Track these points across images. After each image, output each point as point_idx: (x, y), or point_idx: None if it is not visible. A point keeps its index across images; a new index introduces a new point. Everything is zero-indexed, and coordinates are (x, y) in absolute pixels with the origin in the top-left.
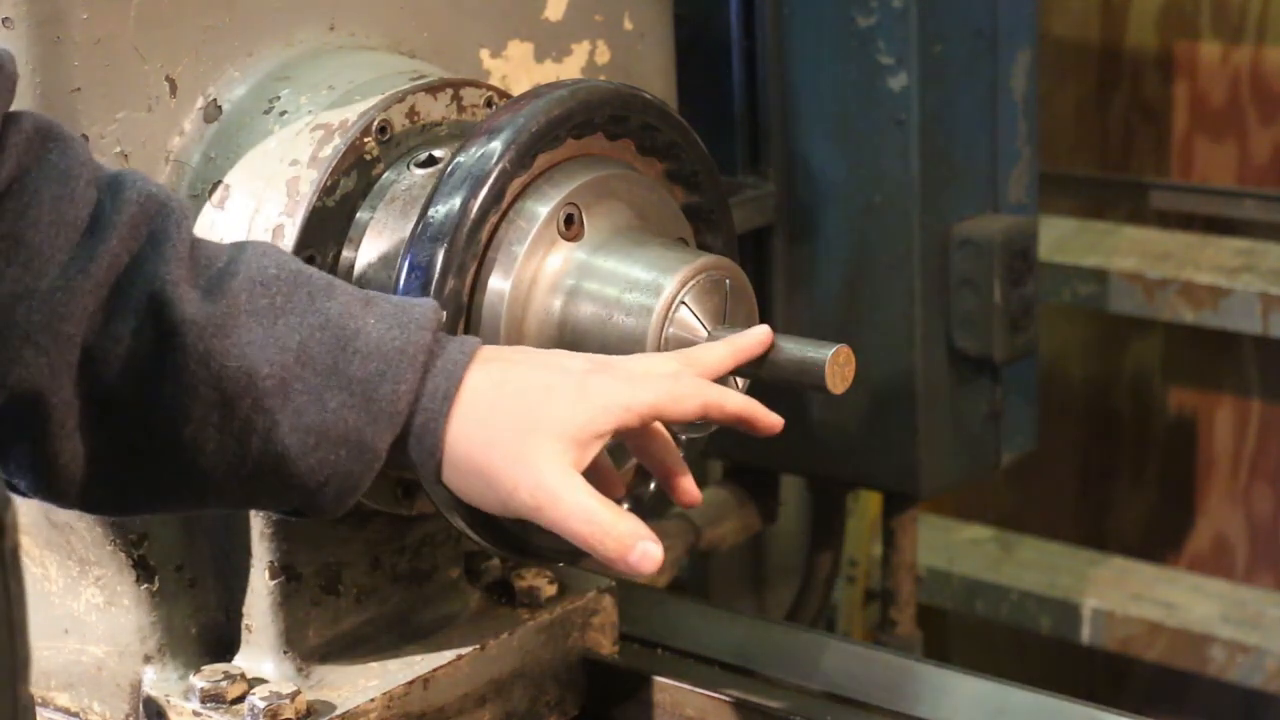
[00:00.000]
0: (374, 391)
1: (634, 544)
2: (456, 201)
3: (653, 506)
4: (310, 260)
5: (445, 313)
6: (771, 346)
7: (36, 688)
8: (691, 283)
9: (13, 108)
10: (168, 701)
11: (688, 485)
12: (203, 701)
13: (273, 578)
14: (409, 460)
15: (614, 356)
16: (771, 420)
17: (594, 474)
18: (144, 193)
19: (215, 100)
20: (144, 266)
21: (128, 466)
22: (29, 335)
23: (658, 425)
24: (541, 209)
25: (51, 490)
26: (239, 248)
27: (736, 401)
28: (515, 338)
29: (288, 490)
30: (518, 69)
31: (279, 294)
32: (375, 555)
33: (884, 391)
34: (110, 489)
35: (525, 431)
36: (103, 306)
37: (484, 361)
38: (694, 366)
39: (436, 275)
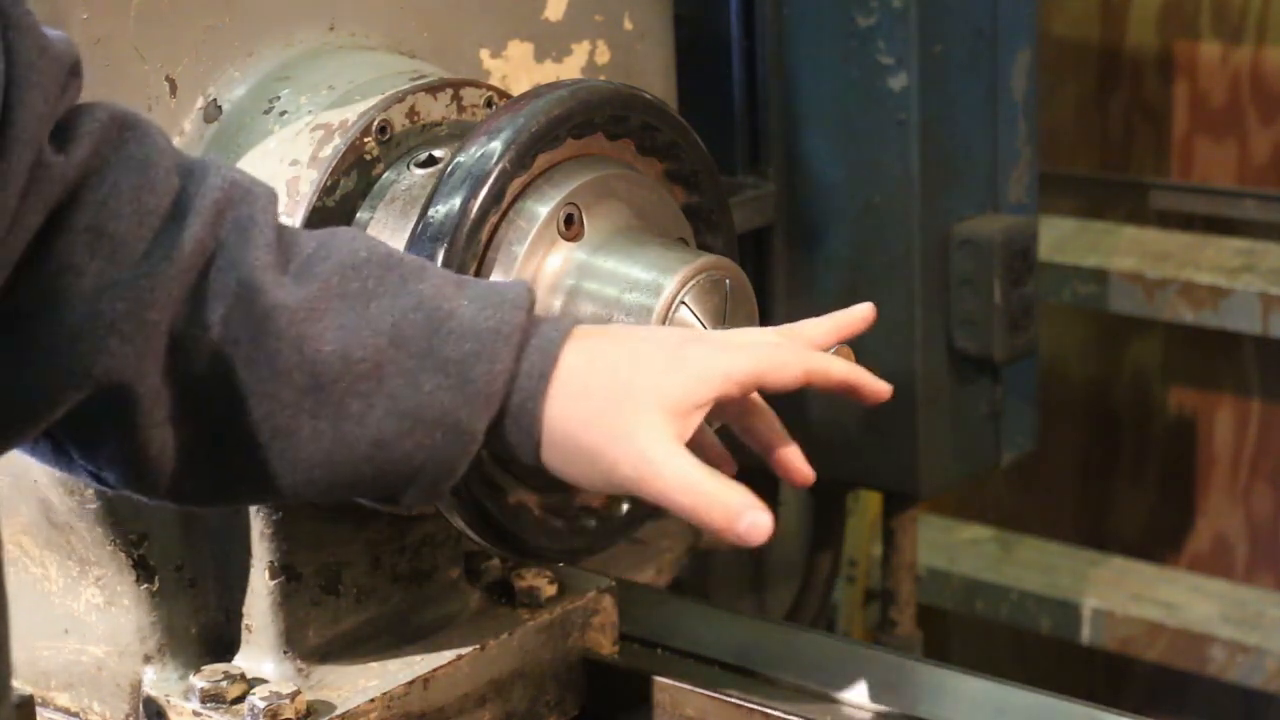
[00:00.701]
0: (469, 372)
1: (742, 513)
2: (456, 201)
3: (653, 507)
4: None
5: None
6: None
7: (36, 688)
8: (691, 283)
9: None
10: (168, 701)
11: (796, 461)
12: (203, 701)
13: (273, 578)
14: (506, 442)
15: (711, 330)
16: (879, 387)
17: (701, 452)
18: (228, 179)
19: (215, 100)
20: (230, 252)
21: (219, 457)
22: (114, 324)
23: (759, 400)
24: (541, 209)
25: (142, 482)
26: (329, 233)
27: (841, 368)
28: None
29: (382, 478)
30: (518, 69)
31: (370, 277)
32: (375, 555)
33: None
34: (200, 480)
35: (623, 405)
36: (189, 293)
37: (579, 338)
38: (796, 338)
39: None
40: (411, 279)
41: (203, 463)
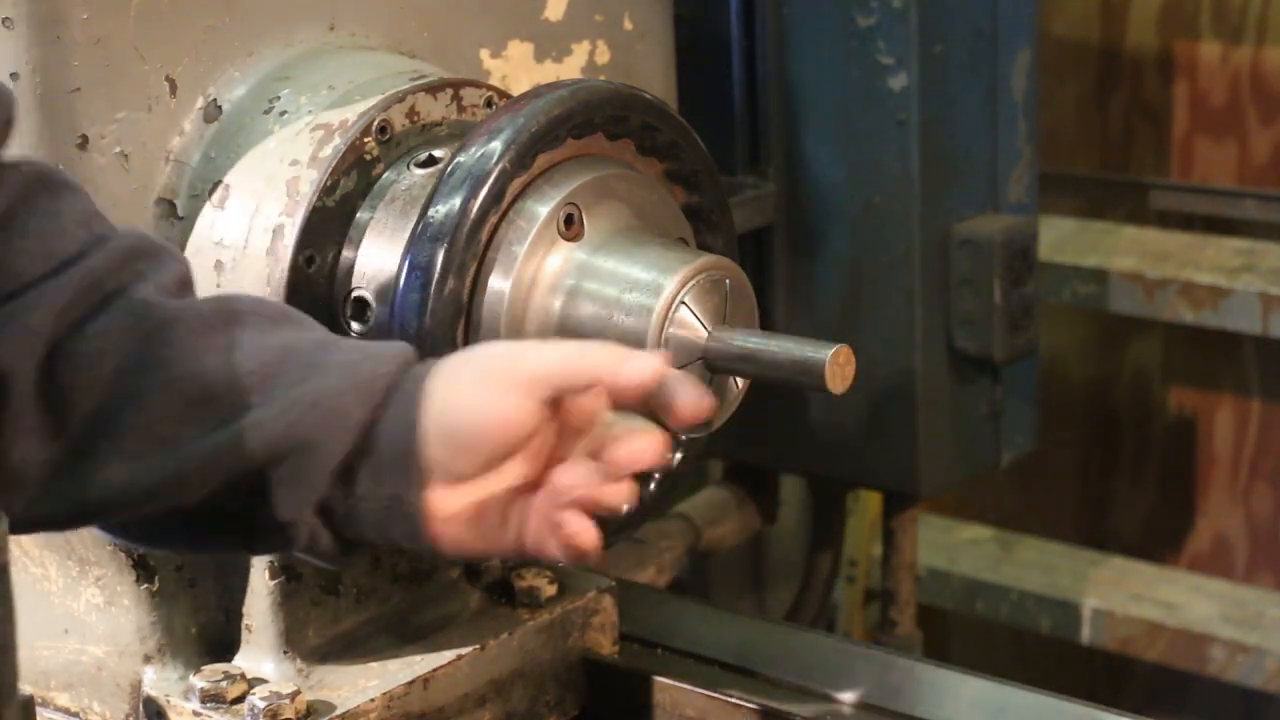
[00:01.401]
0: (358, 369)
1: (623, 359)
2: (456, 201)
3: (652, 507)
4: (310, 260)
5: (449, 312)
6: None
7: (36, 688)
8: (692, 283)
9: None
10: (168, 701)
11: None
12: (203, 701)
13: (273, 578)
14: (383, 438)
15: None
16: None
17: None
18: (138, 236)
19: (215, 100)
20: (133, 285)
21: (85, 471)
22: (14, 309)
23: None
24: (541, 209)
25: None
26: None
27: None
28: (515, 337)
29: (250, 461)
30: (518, 69)
31: (268, 317)
32: (375, 555)
33: (884, 391)
34: (58, 501)
35: (499, 359)
36: (78, 306)
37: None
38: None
39: (436, 275)
40: (307, 324)
41: (65, 481)
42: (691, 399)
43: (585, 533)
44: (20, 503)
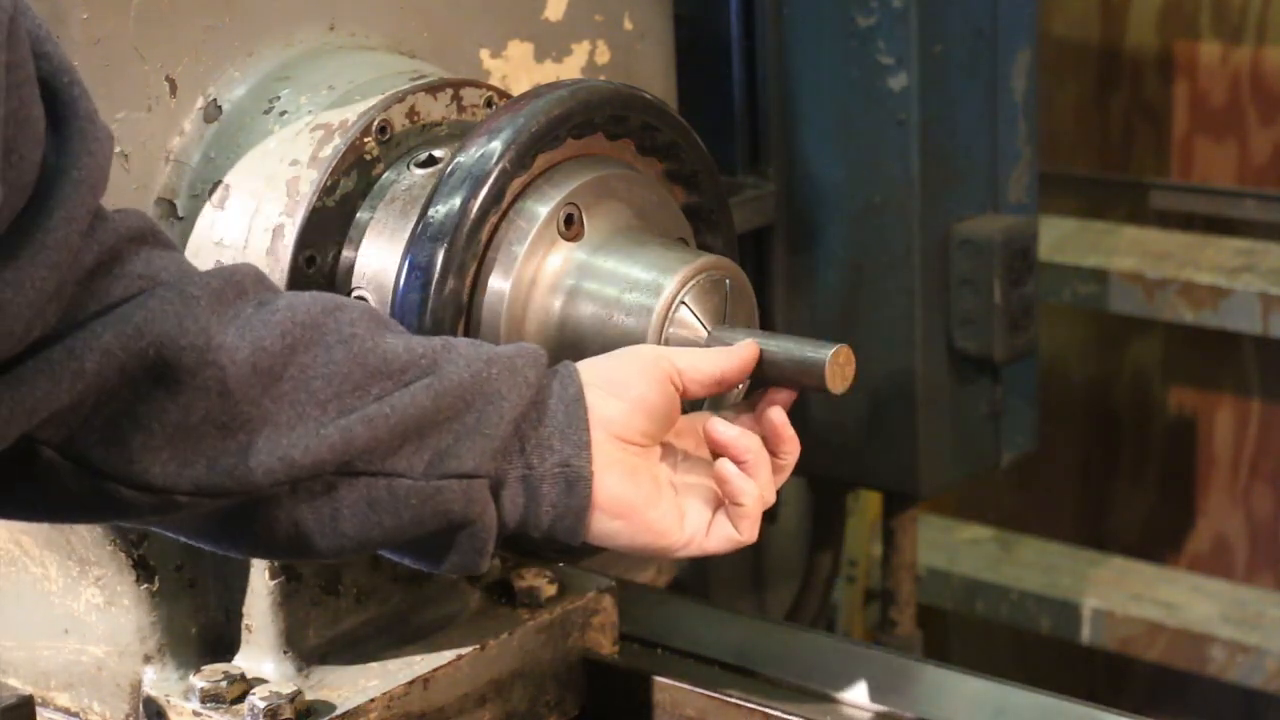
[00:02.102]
0: (517, 346)
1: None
2: (456, 201)
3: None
4: (310, 260)
5: (449, 312)
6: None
7: (36, 688)
8: (692, 283)
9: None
10: (168, 701)
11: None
12: (203, 701)
13: (273, 578)
14: (550, 403)
15: None
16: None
17: None
18: (257, 269)
19: (215, 100)
20: (283, 294)
21: (281, 432)
22: (154, 293)
23: None
24: (541, 209)
25: (138, 459)
26: None
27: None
28: (515, 337)
29: (437, 413)
30: (518, 69)
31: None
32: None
33: (884, 391)
34: (255, 460)
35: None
36: (227, 293)
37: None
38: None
39: (436, 275)
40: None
41: (260, 442)
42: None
43: (745, 479)
44: (204, 466)
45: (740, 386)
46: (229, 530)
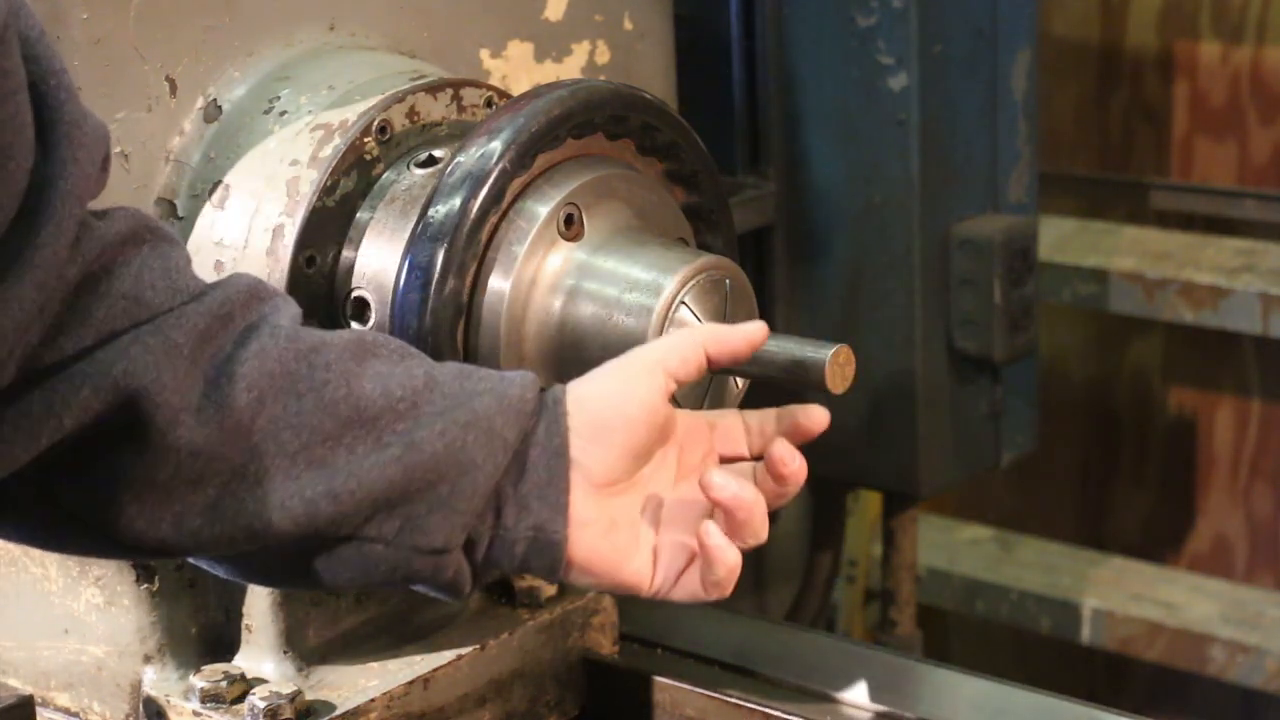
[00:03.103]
0: (506, 390)
1: (735, 328)
2: (456, 201)
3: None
4: (310, 260)
5: (449, 312)
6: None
7: (36, 688)
8: (692, 283)
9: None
10: (168, 701)
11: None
12: (203, 701)
13: None
14: (530, 459)
15: None
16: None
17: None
18: (254, 277)
19: (215, 100)
20: (269, 315)
21: (252, 490)
22: (138, 337)
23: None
24: (541, 209)
25: (143, 515)
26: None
27: None
28: (515, 338)
29: (406, 484)
30: (518, 69)
31: (396, 350)
32: None
33: (884, 391)
34: (223, 519)
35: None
36: (215, 331)
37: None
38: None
39: (436, 275)
40: (425, 358)
41: (226, 503)
42: (815, 414)
43: (721, 549)
44: (170, 524)
45: (740, 386)
46: (204, 560)
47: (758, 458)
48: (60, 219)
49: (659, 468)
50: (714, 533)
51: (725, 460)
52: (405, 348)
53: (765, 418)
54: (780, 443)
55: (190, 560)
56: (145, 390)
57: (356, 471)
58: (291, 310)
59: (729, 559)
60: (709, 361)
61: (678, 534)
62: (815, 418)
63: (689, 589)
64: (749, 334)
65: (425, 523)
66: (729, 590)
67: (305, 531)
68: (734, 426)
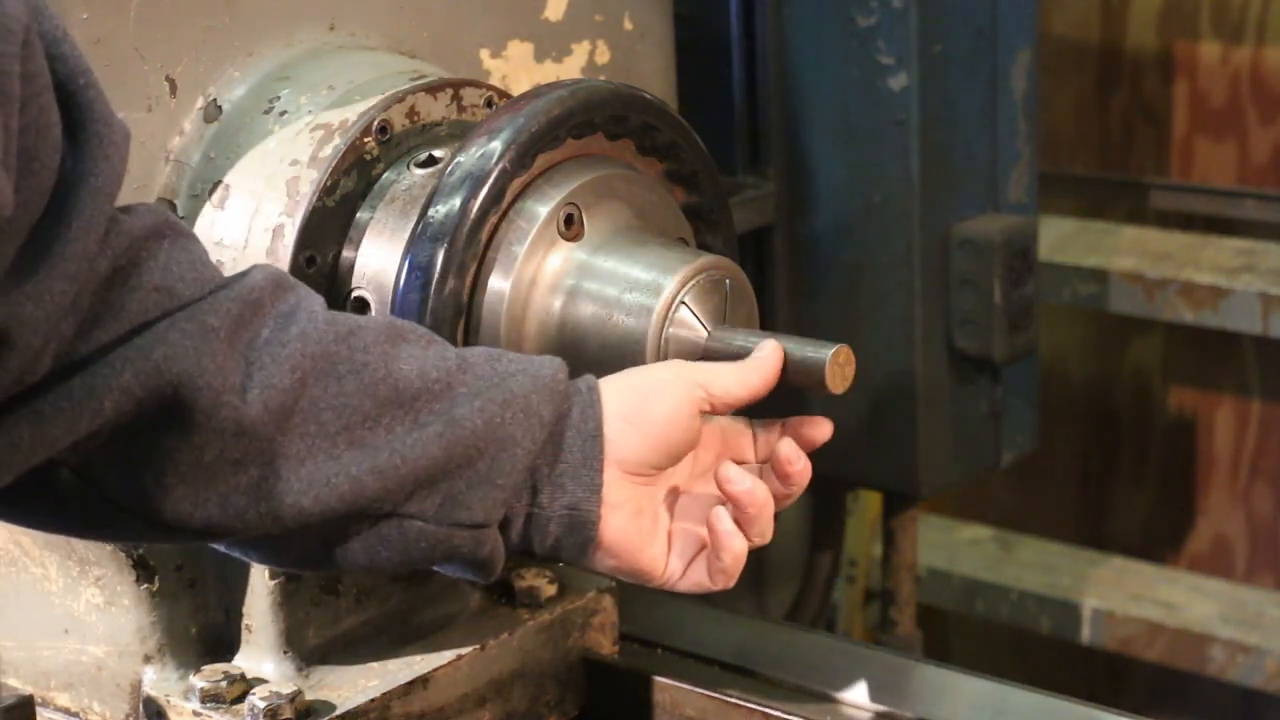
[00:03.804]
0: (539, 370)
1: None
2: (456, 201)
3: None
4: (310, 261)
5: (449, 312)
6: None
7: (36, 688)
8: (692, 283)
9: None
10: (168, 701)
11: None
12: (203, 701)
13: (273, 578)
14: (567, 442)
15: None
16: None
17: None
18: (277, 268)
19: (215, 100)
20: (303, 302)
21: (294, 469)
22: (174, 323)
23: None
24: (541, 209)
25: (182, 498)
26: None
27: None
28: (515, 338)
29: (447, 461)
30: (518, 69)
31: (424, 335)
32: None
33: (884, 391)
34: (264, 498)
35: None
36: (248, 317)
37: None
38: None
39: (436, 275)
40: (449, 344)
41: (269, 483)
42: (820, 425)
43: (730, 534)
44: (216, 505)
45: None
46: (237, 546)
47: (762, 464)
48: (90, 215)
49: (677, 466)
50: (724, 518)
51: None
52: (432, 334)
53: (770, 426)
54: (787, 442)
55: (224, 548)
56: (187, 374)
57: (399, 448)
58: (318, 298)
59: (736, 546)
60: (729, 409)
61: (689, 525)
62: (820, 428)
63: (695, 579)
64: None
65: (466, 498)
66: (734, 579)
67: (349, 509)
68: (742, 433)
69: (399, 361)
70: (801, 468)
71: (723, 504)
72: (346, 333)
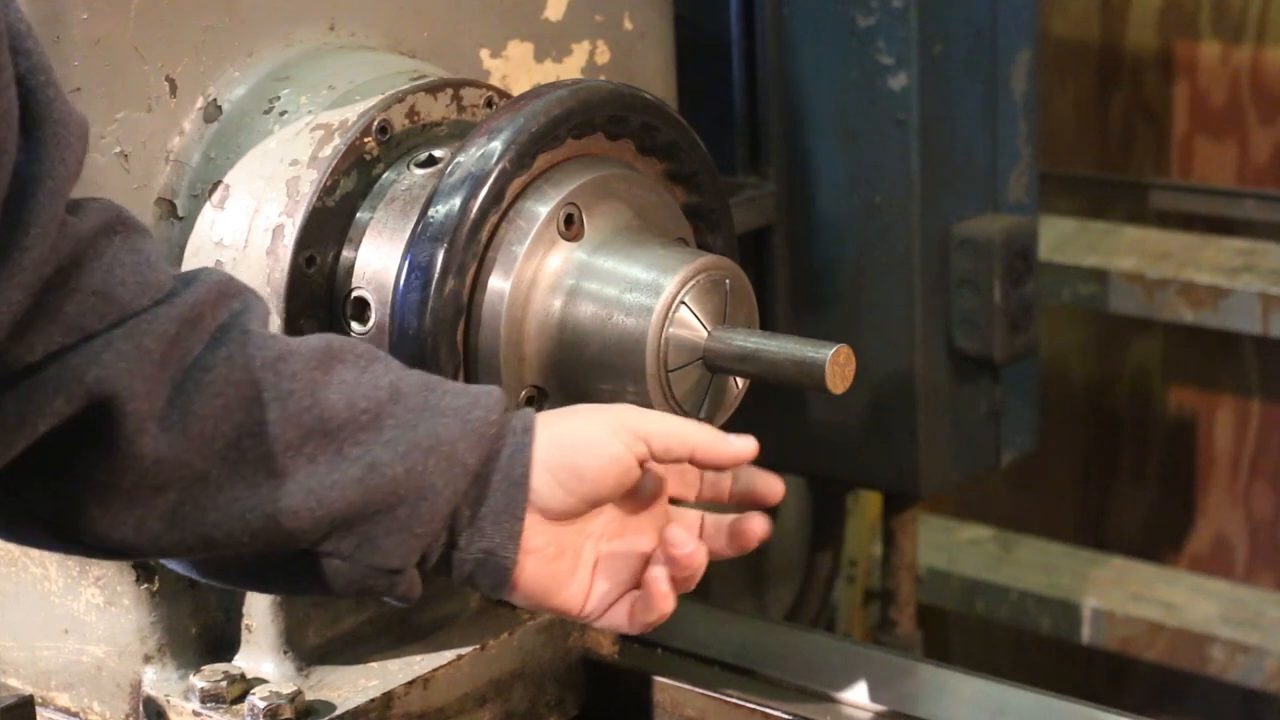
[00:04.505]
0: (468, 414)
1: (726, 440)
2: (456, 201)
3: None
4: (310, 261)
5: (449, 312)
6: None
7: (36, 688)
8: (692, 283)
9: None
10: (168, 701)
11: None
12: (203, 701)
13: None
14: (490, 490)
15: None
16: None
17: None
18: (223, 274)
19: (215, 100)
20: (238, 317)
21: (213, 497)
22: (109, 343)
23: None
24: (541, 209)
25: (105, 515)
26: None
27: None
28: (515, 338)
29: (366, 506)
30: (518, 69)
31: (363, 355)
32: None
33: (884, 391)
34: (184, 524)
35: (598, 414)
36: (185, 334)
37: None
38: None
39: (436, 275)
40: (396, 363)
41: (187, 508)
42: (773, 484)
43: (666, 597)
44: (131, 528)
45: (740, 386)
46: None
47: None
48: (46, 220)
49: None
50: (662, 579)
51: (673, 500)
52: (372, 352)
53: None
54: (673, 530)
55: (161, 561)
56: (116, 397)
57: (317, 489)
58: (261, 310)
59: (666, 608)
60: (691, 462)
61: (617, 566)
62: (773, 487)
63: (615, 620)
64: (738, 453)
65: (383, 543)
66: (650, 628)
67: (263, 544)
68: (687, 469)
69: (328, 390)
70: (693, 558)
71: (650, 555)
72: (275, 358)
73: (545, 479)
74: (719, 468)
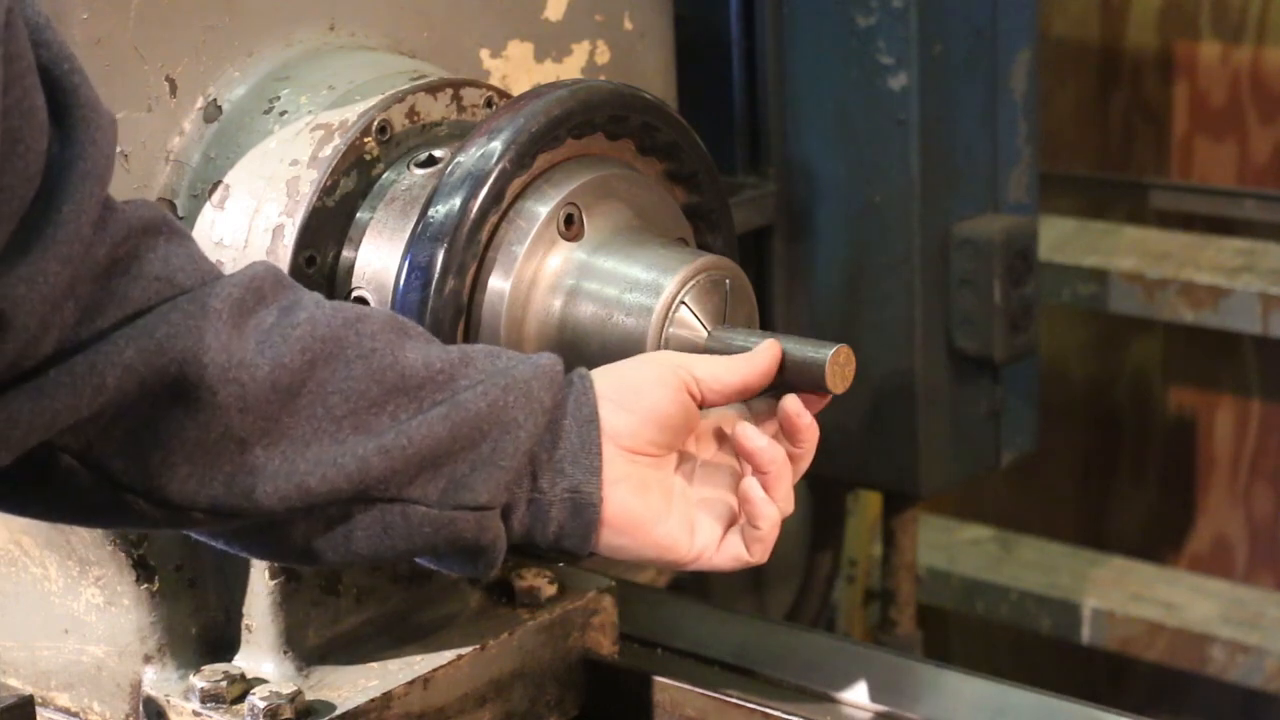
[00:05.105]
0: (537, 360)
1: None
2: (456, 201)
3: None
4: (310, 260)
5: (449, 312)
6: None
7: (36, 688)
8: (692, 283)
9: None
10: (168, 701)
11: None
12: (203, 701)
13: (273, 578)
14: (564, 422)
15: None
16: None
17: None
18: (273, 264)
19: (215, 100)
20: (300, 294)
21: (299, 451)
22: (176, 305)
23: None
24: (541, 209)
25: (192, 476)
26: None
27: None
28: (515, 338)
29: (452, 441)
30: (518, 69)
31: (424, 332)
32: None
33: (884, 391)
34: (272, 478)
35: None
36: (249, 301)
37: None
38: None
39: (436, 275)
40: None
41: (275, 465)
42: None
43: (767, 502)
44: (221, 484)
45: None
46: (240, 538)
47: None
48: (81, 198)
49: (686, 455)
50: (756, 486)
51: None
52: (430, 334)
53: (768, 403)
54: (790, 398)
55: (225, 544)
56: (191, 350)
57: (406, 430)
58: (318, 294)
59: (770, 513)
60: (721, 400)
61: (713, 496)
62: (815, 399)
63: (732, 552)
64: (768, 358)
65: (470, 480)
66: (769, 550)
67: (354, 491)
68: (741, 418)
69: (404, 350)
70: (809, 421)
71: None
72: (354, 319)
73: (609, 408)
74: (765, 379)
